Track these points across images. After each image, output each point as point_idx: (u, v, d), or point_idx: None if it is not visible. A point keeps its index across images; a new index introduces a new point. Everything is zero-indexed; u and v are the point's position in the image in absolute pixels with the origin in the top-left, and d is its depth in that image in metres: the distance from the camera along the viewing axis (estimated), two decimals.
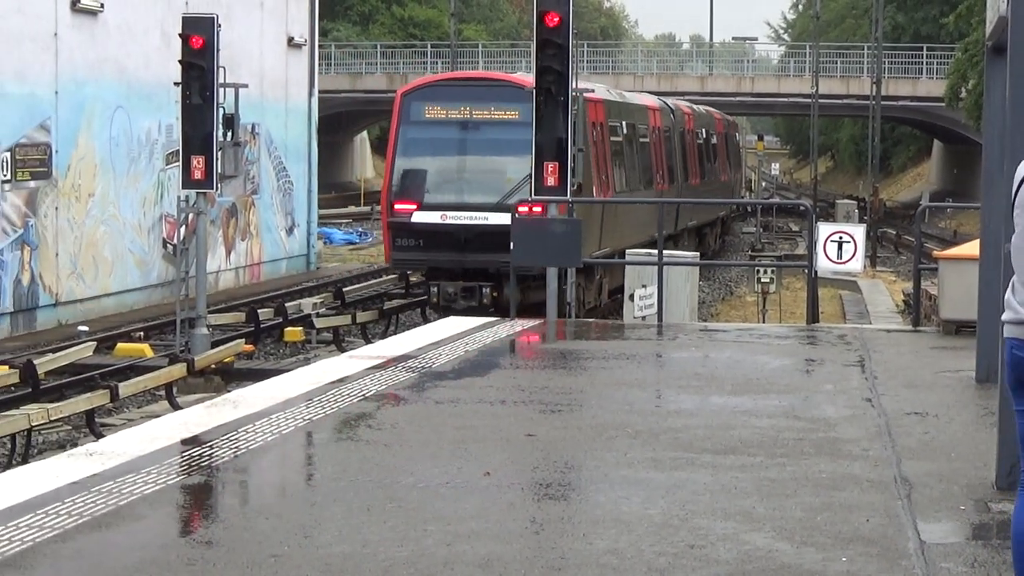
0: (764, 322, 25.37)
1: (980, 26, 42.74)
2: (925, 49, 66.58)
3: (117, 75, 29.26)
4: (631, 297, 20.32)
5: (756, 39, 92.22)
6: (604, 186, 29.00)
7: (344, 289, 30.87)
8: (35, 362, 19.76)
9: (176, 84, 22.72)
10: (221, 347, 22.18)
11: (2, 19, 25.61)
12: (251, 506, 7.94)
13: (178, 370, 19.78)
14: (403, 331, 19.90)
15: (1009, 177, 8.14)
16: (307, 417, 10.04)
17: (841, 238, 16.23)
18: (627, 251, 25.49)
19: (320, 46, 45.99)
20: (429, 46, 73.33)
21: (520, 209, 18.48)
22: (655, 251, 18.67)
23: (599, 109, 29.25)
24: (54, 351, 22.01)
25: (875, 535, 7.18)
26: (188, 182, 22.34)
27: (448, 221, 25.37)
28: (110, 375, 20.20)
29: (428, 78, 30.67)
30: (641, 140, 33.94)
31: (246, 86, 25.08)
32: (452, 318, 17.27)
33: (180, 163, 22.56)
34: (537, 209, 19.43)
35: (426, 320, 26.22)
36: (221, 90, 22.31)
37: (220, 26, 22.27)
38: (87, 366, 21.02)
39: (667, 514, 7.52)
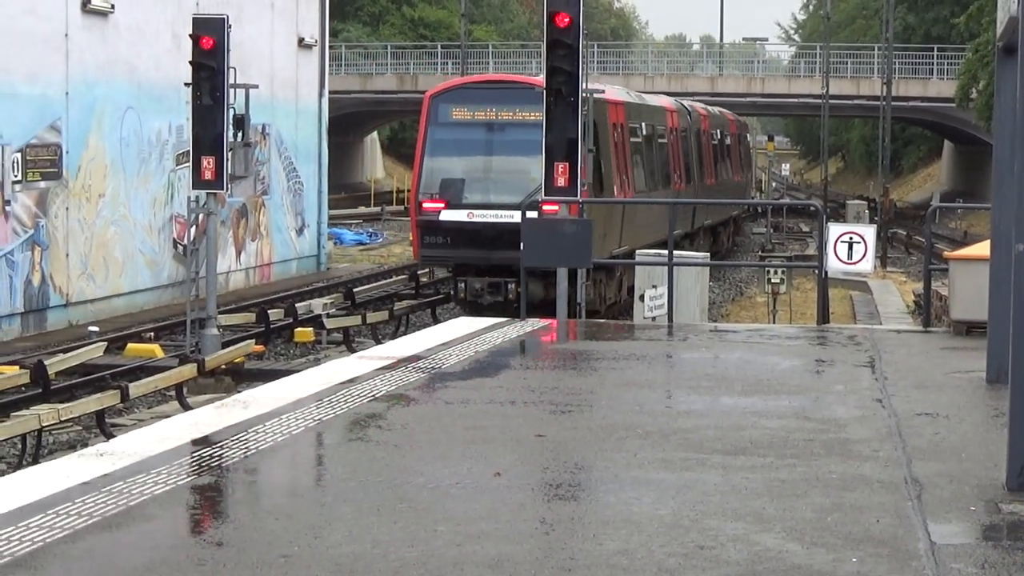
0: (774, 323, 25.39)
1: (991, 27, 42.63)
2: (936, 50, 66.50)
3: (128, 76, 29.29)
4: (641, 298, 20.30)
5: (767, 40, 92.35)
6: (625, 185, 29.40)
7: (354, 290, 30.88)
8: (46, 362, 19.79)
9: (187, 85, 22.78)
10: (231, 347, 22.21)
11: (13, 20, 25.64)
12: (261, 506, 7.94)
13: (188, 370, 19.81)
14: (413, 332, 19.90)
15: (1020, 178, 8.14)
16: (317, 417, 10.05)
17: (852, 239, 16.19)
18: (637, 251, 25.65)
19: (330, 47, 46.03)
20: (439, 47, 73.30)
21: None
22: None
23: (620, 111, 29.61)
24: (65, 351, 22.03)
25: (885, 536, 7.17)
26: (199, 182, 22.39)
27: (475, 219, 26.07)
28: (120, 375, 20.22)
29: (455, 81, 30.95)
30: (660, 141, 34.37)
31: (256, 87, 25.15)
32: (463, 318, 17.27)
33: (191, 164, 22.59)
34: (554, 208, 19.49)
35: (436, 321, 26.31)
36: (231, 91, 22.35)
37: (230, 27, 22.31)
38: (97, 366, 21.05)
39: (677, 515, 7.52)
